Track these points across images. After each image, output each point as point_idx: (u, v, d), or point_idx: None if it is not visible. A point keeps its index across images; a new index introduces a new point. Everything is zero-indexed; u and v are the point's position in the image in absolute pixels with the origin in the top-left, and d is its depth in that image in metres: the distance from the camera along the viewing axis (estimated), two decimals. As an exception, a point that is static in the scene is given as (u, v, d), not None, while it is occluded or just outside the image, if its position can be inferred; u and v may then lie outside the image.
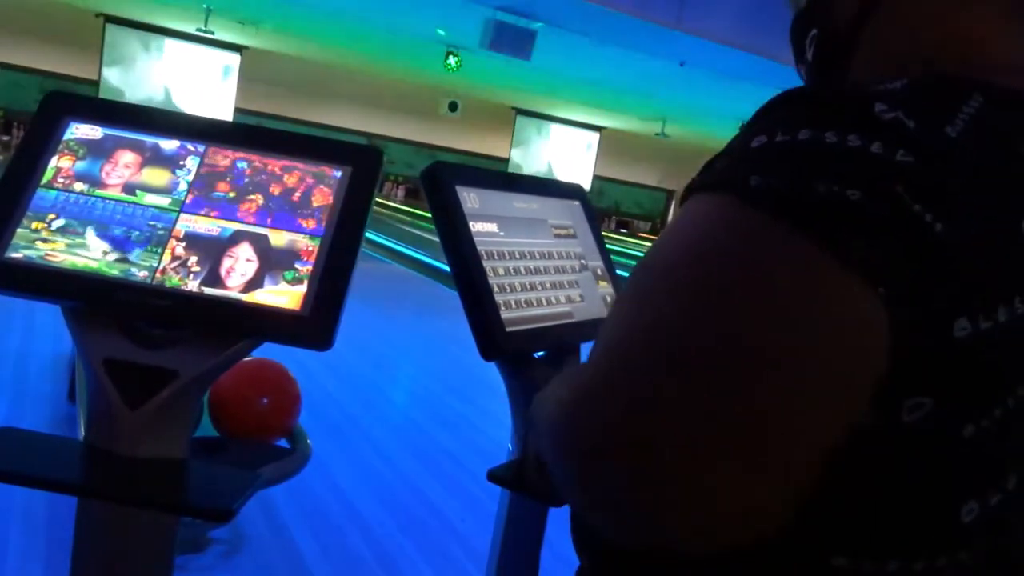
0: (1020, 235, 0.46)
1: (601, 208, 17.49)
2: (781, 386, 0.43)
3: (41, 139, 1.02)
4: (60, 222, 0.97)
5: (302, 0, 8.84)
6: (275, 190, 1.01)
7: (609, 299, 1.37)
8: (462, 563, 2.65)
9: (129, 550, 0.93)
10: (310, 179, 1.02)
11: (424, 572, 2.57)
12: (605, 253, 1.45)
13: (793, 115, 0.49)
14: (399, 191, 16.27)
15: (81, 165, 1.01)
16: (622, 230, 17.94)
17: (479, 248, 1.14)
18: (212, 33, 12.41)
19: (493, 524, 1.33)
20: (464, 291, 1.12)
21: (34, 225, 0.97)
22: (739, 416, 0.43)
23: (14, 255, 0.94)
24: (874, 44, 0.60)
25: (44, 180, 1.00)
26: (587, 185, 15.52)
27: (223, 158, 1.03)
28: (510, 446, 1.27)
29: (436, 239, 1.17)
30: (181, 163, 1.03)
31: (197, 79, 13.86)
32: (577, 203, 1.46)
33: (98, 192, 1.00)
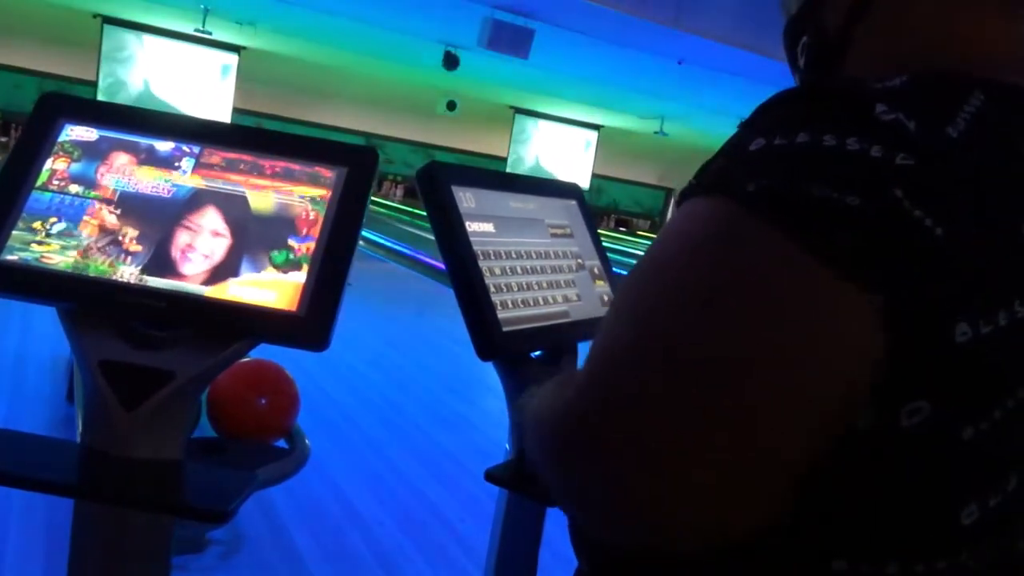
0: (1020, 237, 0.45)
1: (600, 206, 17.46)
2: (770, 384, 0.43)
3: (36, 141, 1.02)
4: (61, 226, 0.97)
5: (299, 0, 8.83)
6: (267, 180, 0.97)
7: (606, 298, 1.37)
8: (461, 563, 2.65)
9: (126, 551, 0.93)
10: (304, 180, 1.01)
11: (423, 572, 2.57)
12: (602, 252, 1.45)
13: (792, 116, 0.49)
14: (397, 190, 16.23)
15: (76, 167, 1.01)
16: (621, 228, 17.90)
17: (475, 248, 1.14)
18: (210, 33, 12.39)
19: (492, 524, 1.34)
20: (460, 291, 1.12)
21: (33, 225, 0.97)
22: (727, 412, 0.43)
23: (9, 257, 0.94)
24: (867, 47, 0.60)
25: (39, 182, 1.00)
26: (586, 183, 15.51)
27: (218, 159, 1.03)
28: (507, 446, 1.27)
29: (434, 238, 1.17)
30: (176, 164, 1.03)
31: (195, 79, 13.83)
32: (574, 202, 1.46)
33: (93, 194, 1.00)
